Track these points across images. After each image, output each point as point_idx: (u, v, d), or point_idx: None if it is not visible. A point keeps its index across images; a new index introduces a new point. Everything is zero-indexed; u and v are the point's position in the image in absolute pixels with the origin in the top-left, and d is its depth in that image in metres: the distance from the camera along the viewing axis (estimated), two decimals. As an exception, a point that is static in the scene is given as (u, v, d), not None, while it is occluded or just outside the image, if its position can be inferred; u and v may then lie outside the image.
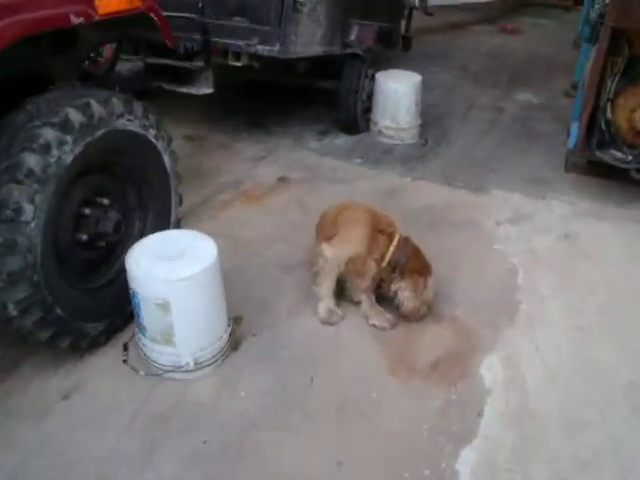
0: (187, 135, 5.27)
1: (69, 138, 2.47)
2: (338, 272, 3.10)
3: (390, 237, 3.06)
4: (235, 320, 3.11)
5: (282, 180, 4.59)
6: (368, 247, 3.01)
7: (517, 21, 9.53)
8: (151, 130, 2.95)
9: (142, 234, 3.13)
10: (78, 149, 2.51)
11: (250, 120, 5.66)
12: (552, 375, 2.91)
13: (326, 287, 3.13)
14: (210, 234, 3.85)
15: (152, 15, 2.79)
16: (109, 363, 2.95)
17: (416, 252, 3.13)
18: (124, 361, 2.93)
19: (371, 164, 4.90)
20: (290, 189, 4.47)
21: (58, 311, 2.61)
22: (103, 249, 3.00)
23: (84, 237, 2.83)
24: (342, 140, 5.33)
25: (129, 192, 3.10)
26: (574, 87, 6.05)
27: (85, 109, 2.54)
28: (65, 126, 2.46)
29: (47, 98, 2.56)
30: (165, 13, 3.37)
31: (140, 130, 2.88)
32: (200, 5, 4.13)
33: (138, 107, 2.84)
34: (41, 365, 2.89)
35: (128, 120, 2.77)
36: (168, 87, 3.81)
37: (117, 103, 2.70)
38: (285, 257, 3.67)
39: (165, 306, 2.63)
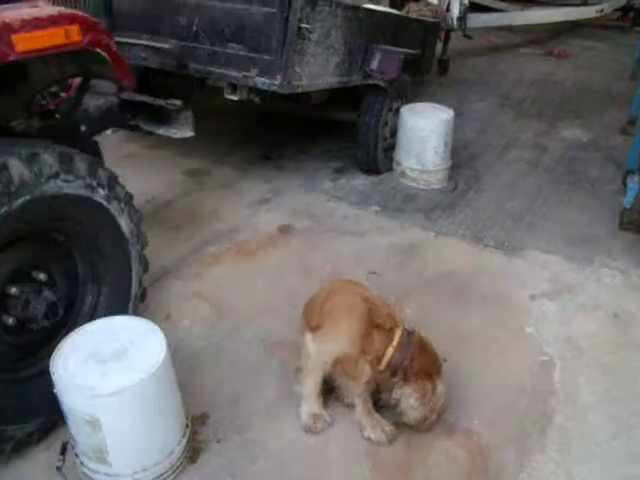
0: (188, 169, 4.77)
1: (-27, 210, 1.95)
2: (325, 371, 2.49)
3: (390, 334, 2.42)
4: (197, 420, 2.56)
5: (284, 230, 4.00)
6: (361, 346, 2.38)
7: (566, 43, 8.70)
8: (100, 190, 2.41)
9: (94, 311, 2.65)
10: (-14, 223, 1.99)
11: (261, 153, 5.13)
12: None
13: (310, 387, 2.52)
14: (191, 297, 3.37)
15: (100, 51, 2.25)
16: (40, 469, 2.44)
17: (423, 348, 2.49)
18: (58, 468, 2.40)
19: (389, 213, 4.25)
20: (291, 242, 3.88)
21: (-37, 416, 2.10)
22: (41, 332, 2.47)
23: (10, 321, 2.31)
24: (360, 181, 4.70)
25: (78, 263, 2.57)
26: (631, 123, 5.27)
27: (-1, 172, 2.01)
28: (-32, 195, 1.94)
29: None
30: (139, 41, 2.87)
31: (84, 192, 2.33)
32: (194, 29, 3.61)
33: (80, 163, 2.29)
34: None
35: (65, 181, 2.23)
36: (145, 127, 3.26)
37: (48, 161, 2.15)
38: (272, 334, 3.07)
39: (94, 423, 2.08)
